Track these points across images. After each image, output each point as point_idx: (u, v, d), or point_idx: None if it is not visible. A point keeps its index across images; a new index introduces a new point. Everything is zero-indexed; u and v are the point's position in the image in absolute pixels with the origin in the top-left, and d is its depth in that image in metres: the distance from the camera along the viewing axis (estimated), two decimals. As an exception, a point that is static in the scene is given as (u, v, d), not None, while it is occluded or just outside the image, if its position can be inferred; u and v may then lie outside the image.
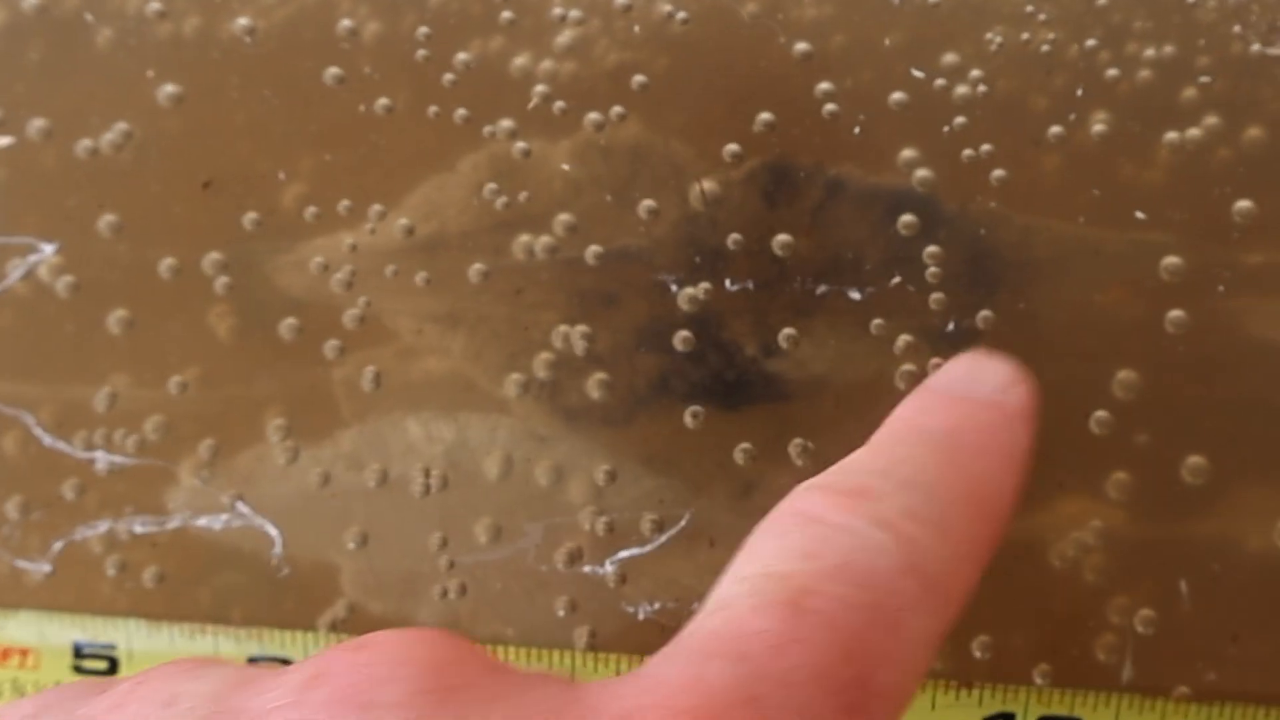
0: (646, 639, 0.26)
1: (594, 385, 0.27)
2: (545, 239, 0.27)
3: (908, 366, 0.26)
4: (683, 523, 0.26)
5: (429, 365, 0.27)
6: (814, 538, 0.17)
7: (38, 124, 0.27)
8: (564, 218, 0.27)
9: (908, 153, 0.26)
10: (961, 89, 0.26)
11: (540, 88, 0.27)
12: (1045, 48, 0.26)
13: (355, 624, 0.27)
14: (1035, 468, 0.26)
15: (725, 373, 0.27)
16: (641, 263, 0.27)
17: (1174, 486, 0.26)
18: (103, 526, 0.27)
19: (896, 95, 0.26)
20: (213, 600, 0.27)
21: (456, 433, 0.27)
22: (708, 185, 0.26)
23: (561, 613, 0.27)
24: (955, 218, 0.26)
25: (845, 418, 0.26)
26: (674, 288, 0.26)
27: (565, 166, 0.26)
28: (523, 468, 0.27)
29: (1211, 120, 0.26)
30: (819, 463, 0.26)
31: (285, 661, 0.26)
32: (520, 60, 0.26)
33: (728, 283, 0.26)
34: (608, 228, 0.27)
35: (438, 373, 0.27)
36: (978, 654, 0.26)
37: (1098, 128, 0.26)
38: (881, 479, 0.18)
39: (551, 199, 0.27)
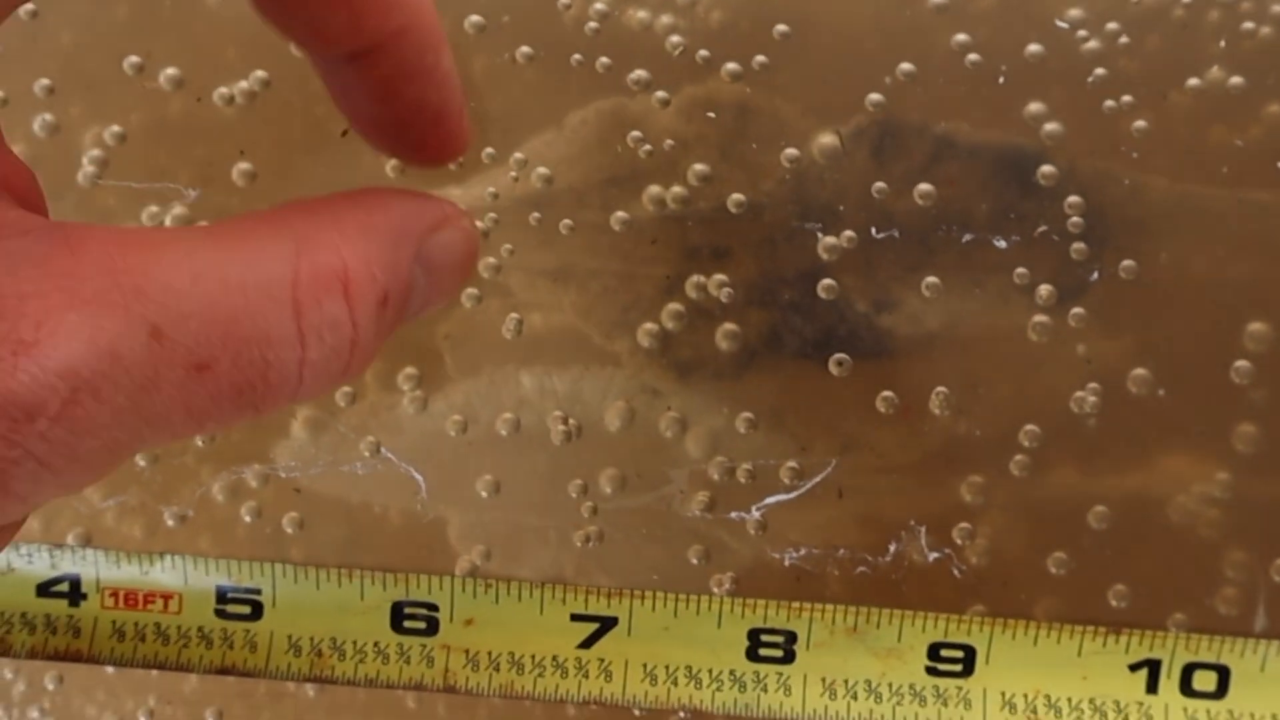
0: (784, 585, 0.26)
1: (722, 336, 0.27)
2: (677, 189, 0.27)
3: (1040, 318, 0.26)
4: (826, 472, 0.26)
5: (540, 320, 0.27)
6: None
7: (171, 73, 0.27)
8: (699, 168, 0.27)
9: (1035, 106, 0.26)
10: (1094, 43, 0.26)
11: (675, 38, 0.27)
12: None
13: (491, 571, 0.27)
14: (1165, 420, 0.26)
15: (838, 327, 0.27)
16: (777, 213, 0.27)
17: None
18: (244, 473, 0.27)
19: (1033, 48, 0.26)
20: (352, 545, 0.27)
21: (570, 386, 0.27)
22: (833, 138, 0.26)
23: (695, 560, 0.27)
24: (1092, 170, 0.26)
25: (979, 369, 0.26)
26: (819, 235, 0.26)
27: (711, 114, 0.26)
28: (644, 419, 0.27)
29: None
30: (957, 413, 0.26)
31: (432, 608, 0.26)
32: (646, 13, 0.27)
33: (873, 230, 0.26)
34: (741, 179, 0.27)
35: (549, 327, 0.27)
36: (1114, 603, 0.26)
37: (1235, 80, 0.26)
38: None
39: (681, 150, 0.27)
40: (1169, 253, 0.26)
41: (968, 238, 0.26)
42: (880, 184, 0.26)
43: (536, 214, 0.27)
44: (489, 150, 0.27)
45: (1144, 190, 0.26)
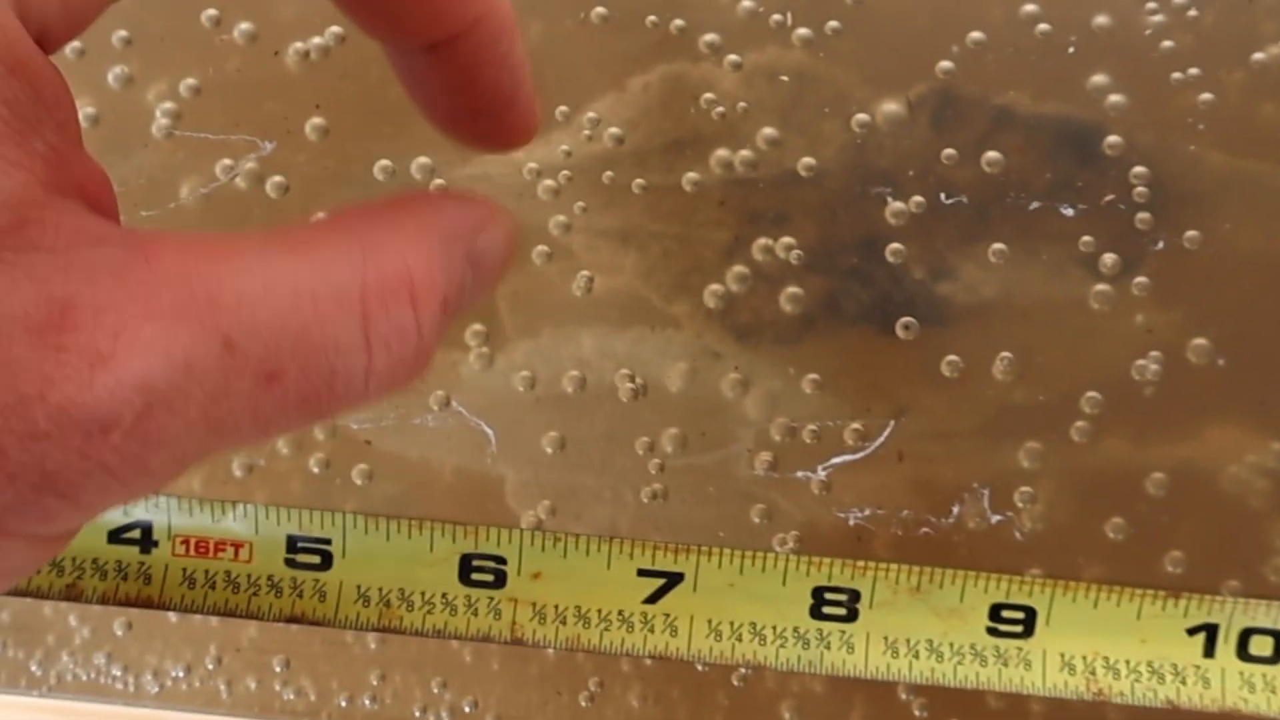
0: (846, 545, 0.27)
1: (786, 299, 0.27)
2: (745, 154, 0.27)
3: (1102, 287, 0.27)
4: (888, 432, 0.27)
5: (600, 281, 0.27)
6: None
7: (246, 27, 0.27)
8: (768, 131, 0.27)
9: (1099, 78, 0.27)
10: (1160, 16, 0.26)
11: (748, 4, 0.27)
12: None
13: (556, 524, 0.27)
14: (1222, 390, 0.27)
15: (894, 293, 0.27)
16: (840, 179, 0.27)
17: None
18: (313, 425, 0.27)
19: (1100, 19, 0.27)
20: (418, 499, 0.27)
21: (629, 347, 0.28)
22: (899, 105, 0.27)
23: (757, 519, 0.27)
24: (1154, 143, 0.26)
25: (1039, 337, 0.27)
26: (889, 199, 0.27)
27: (784, 78, 0.27)
28: (705, 381, 0.27)
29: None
30: (1017, 379, 0.27)
31: (500, 560, 0.26)
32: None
33: (942, 196, 0.26)
34: (803, 144, 0.27)
35: (610, 289, 0.27)
36: (1170, 568, 0.27)
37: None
38: None
39: (743, 115, 0.27)
40: (1230, 225, 0.26)
41: (1034, 205, 0.26)
42: (950, 151, 0.27)
43: (610, 173, 0.27)
44: (563, 109, 0.27)
45: (1204, 164, 0.27)
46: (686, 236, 0.27)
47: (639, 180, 0.27)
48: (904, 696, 0.27)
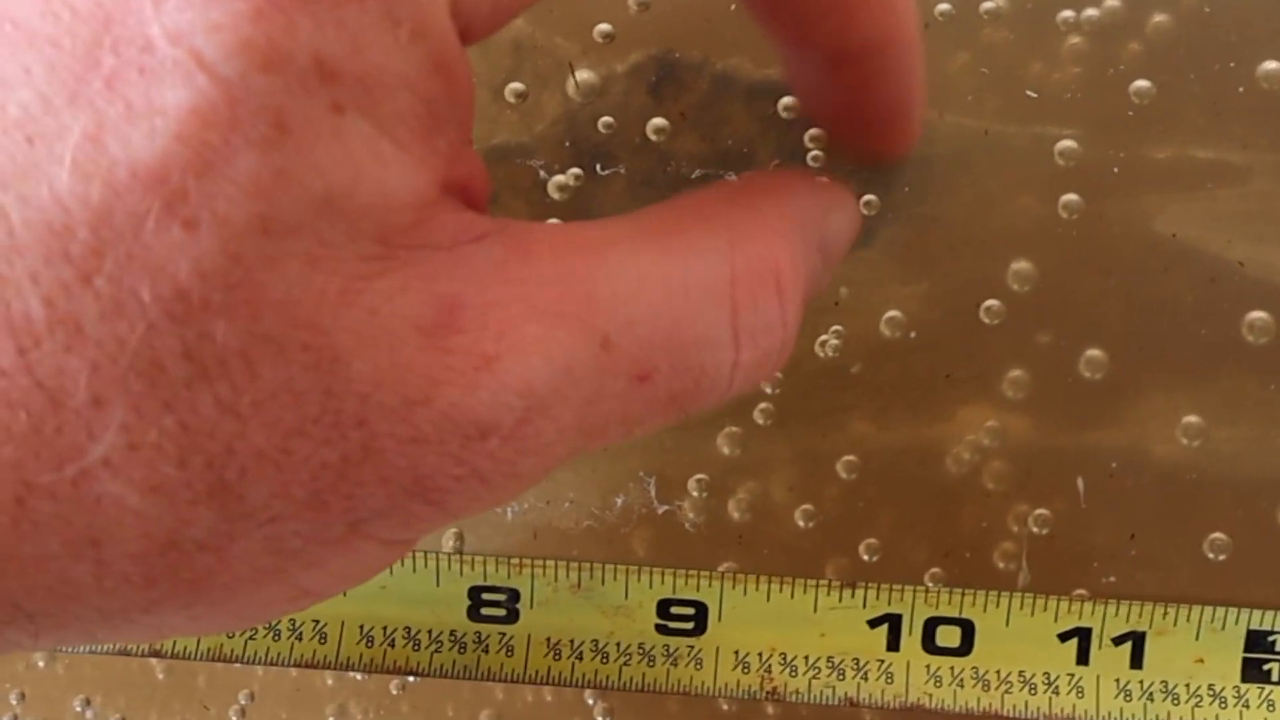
0: (511, 541, 0.25)
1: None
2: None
3: (793, 259, 0.25)
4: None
5: None
6: None
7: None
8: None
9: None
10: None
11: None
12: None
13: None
14: (929, 366, 0.25)
15: None
16: (517, 155, 0.25)
17: (1072, 383, 0.25)
18: None
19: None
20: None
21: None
22: (583, 76, 0.25)
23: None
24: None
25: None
26: (542, 174, 0.25)
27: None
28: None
29: (1113, 4, 0.25)
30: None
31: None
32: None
33: (598, 168, 0.25)
34: (483, 123, 0.25)
35: None
36: (865, 557, 0.25)
37: (988, 5, 0.25)
38: None
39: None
40: (909, 189, 0.25)
41: (698, 174, 0.25)
42: (608, 119, 0.25)
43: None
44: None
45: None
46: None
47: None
48: (589, 700, 0.26)
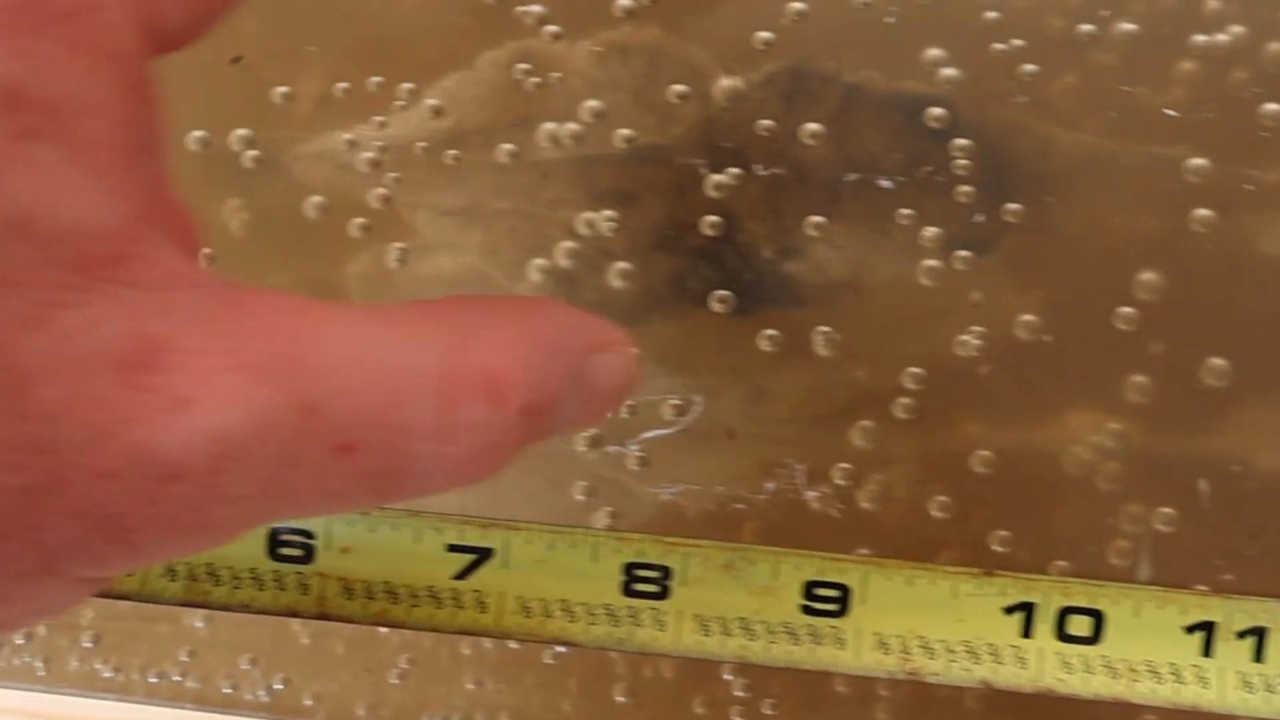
0: (663, 521, 0.26)
1: (615, 275, 0.27)
2: (571, 126, 0.27)
3: (931, 262, 0.26)
4: (698, 408, 0.26)
5: (447, 261, 0.27)
6: None
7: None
8: (591, 104, 0.27)
9: (934, 51, 0.26)
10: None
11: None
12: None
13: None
14: (1057, 368, 0.26)
15: (743, 272, 0.27)
16: (681, 156, 0.27)
17: (1193, 389, 0.26)
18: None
19: (928, -9, 0.26)
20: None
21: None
22: (734, 80, 0.26)
23: (581, 496, 0.27)
24: (982, 116, 0.26)
25: (868, 310, 0.26)
26: (702, 172, 0.26)
27: (598, 49, 0.26)
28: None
29: (1237, 29, 0.26)
30: (841, 353, 0.26)
31: (309, 535, 0.26)
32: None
33: (757, 168, 0.26)
34: (632, 118, 0.27)
35: (454, 268, 0.27)
36: (996, 548, 0.26)
37: (1127, 28, 0.26)
38: None
39: (575, 90, 0.27)
40: (1053, 198, 0.26)
41: (851, 178, 0.26)
42: (769, 122, 0.26)
43: (453, 152, 0.27)
44: (376, 79, 0.27)
45: (1034, 137, 0.26)
46: (531, 214, 0.27)
47: (468, 158, 0.27)
48: (727, 677, 0.27)
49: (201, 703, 0.28)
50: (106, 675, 0.28)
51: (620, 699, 0.28)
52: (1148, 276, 0.26)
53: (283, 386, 0.13)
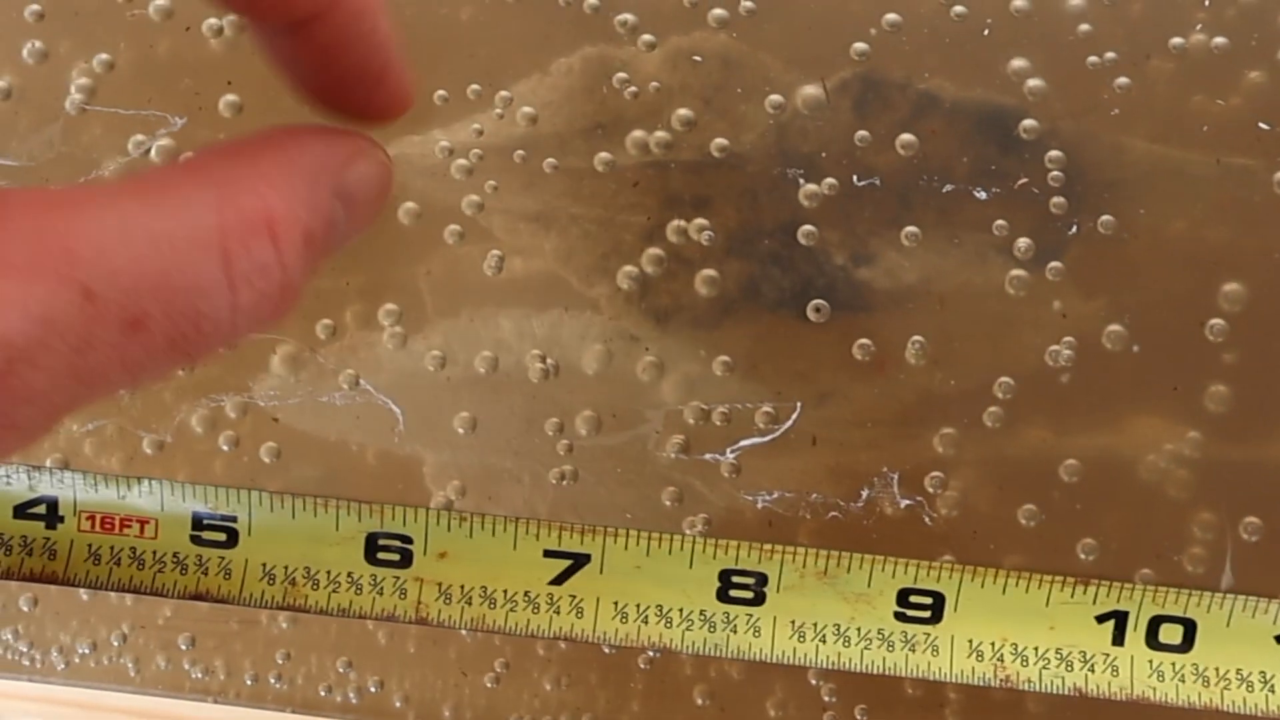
0: (756, 528, 0.27)
1: (701, 282, 0.27)
2: (661, 134, 0.27)
3: (1018, 273, 0.26)
4: (796, 416, 0.27)
5: (520, 264, 0.27)
6: None
7: (160, 3, 0.27)
8: (683, 113, 0.27)
9: (1018, 62, 0.26)
10: (1078, 1, 0.26)
11: (666, -16, 0.27)
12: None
13: (468, 505, 0.27)
14: (1139, 377, 0.27)
15: (817, 279, 0.27)
16: (759, 162, 0.27)
17: (1273, 399, 0.26)
18: (223, 401, 0.27)
19: (1018, 2, 0.26)
20: (327, 479, 0.27)
21: (548, 330, 0.27)
22: (816, 88, 0.27)
23: (669, 502, 0.27)
24: (1072, 128, 0.26)
25: (955, 322, 0.27)
26: (800, 182, 0.26)
27: (698, 58, 0.27)
28: (621, 363, 0.27)
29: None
30: (932, 364, 0.26)
31: (407, 540, 0.26)
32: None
33: (854, 179, 0.26)
34: (724, 127, 0.27)
35: (529, 271, 0.27)
36: (1082, 556, 0.27)
37: (1218, 41, 0.26)
38: None
39: (666, 96, 0.27)
40: (1144, 210, 0.26)
41: (948, 188, 0.26)
42: (863, 133, 0.26)
43: (521, 152, 0.27)
44: (474, 87, 0.27)
45: (1123, 149, 0.26)
46: (606, 219, 0.27)
47: (550, 161, 0.27)
48: (813, 681, 0.27)
49: (285, 704, 0.28)
50: (196, 676, 0.28)
51: (700, 701, 0.28)
52: (1232, 287, 0.26)
53: (55, 279, 0.14)
